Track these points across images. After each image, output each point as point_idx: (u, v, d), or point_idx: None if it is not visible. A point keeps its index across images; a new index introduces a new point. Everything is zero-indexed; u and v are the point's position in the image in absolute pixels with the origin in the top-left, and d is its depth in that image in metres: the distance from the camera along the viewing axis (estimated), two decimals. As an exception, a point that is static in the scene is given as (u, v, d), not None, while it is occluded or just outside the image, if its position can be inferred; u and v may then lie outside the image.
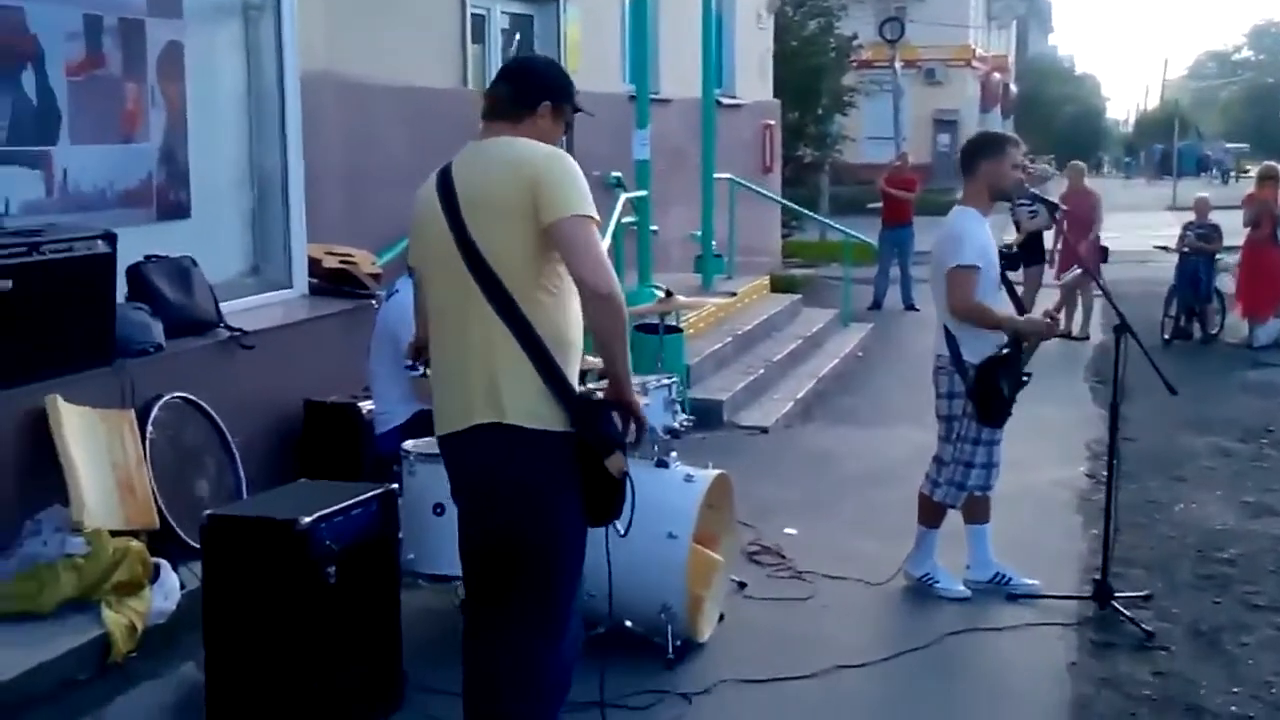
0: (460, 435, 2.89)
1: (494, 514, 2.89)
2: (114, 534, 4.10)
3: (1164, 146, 47.95)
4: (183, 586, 4.20)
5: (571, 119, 3.04)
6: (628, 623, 4.03)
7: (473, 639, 2.98)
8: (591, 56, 9.94)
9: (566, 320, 2.86)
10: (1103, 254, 11.17)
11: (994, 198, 4.68)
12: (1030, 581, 4.78)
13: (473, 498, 2.96)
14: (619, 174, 8.89)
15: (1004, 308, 4.65)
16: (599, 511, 2.89)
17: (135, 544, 4.11)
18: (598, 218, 2.84)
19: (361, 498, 3.58)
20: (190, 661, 3.89)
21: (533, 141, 2.91)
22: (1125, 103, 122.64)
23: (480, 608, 2.98)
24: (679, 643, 4.07)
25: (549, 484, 2.83)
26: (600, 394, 2.93)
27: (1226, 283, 11.40)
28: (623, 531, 2.98)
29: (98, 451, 4.33)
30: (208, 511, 3.51)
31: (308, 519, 3.34)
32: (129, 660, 3.89)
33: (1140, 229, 20.30)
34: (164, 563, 4.21)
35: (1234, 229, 11.47)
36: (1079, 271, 4.70)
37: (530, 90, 2.98)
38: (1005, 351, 4.51)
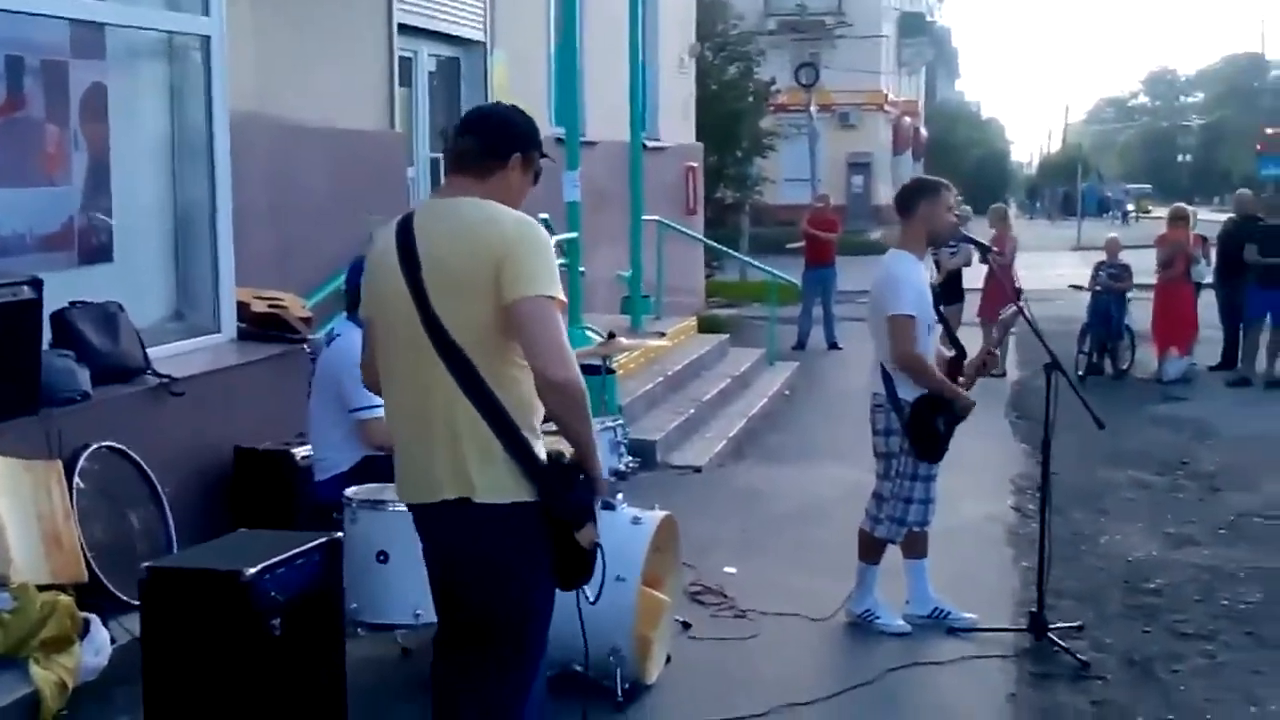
0: (427, 508, 2.84)
1: (464, 589, 2.85)
2: (41, 588, 3.96)
3: (1066, 188, 49.58)
4: (114, 641, 4.06)
5: (540, 168, 2.93)
6: (576, 666, 4.00)
7: (442, 688, 2.94)
8: (518, 99, 9.92)
9: (533, 391, 2.74)
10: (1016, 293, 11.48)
11: (930, 240, 4.81)
12: (968, 615, 4.86)
13: (443, 570, 2.91)
14: (546, 215, 8.90)
15: (936, 348, 4.77)
16: (569, 578, 2.85)
17: (64, 598, 3.96)
18: (563, 297, 2.73)
19: (305, 547, 3.50)
20: (124, 718, 3.76)
21: (502, 209, 2.77)
22: (1028, 146, 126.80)
23: (451, 657, 2.94)
24: (628, 685, 4.06)
25: (519, 558, 2.77)
26: (568, 455, 2.81)
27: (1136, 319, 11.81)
28: (592, 599, 2.95)
29: (23, 503, 4.18)
30: (147, 564, 3.40)
31: (252, 570, 3.26)
32: (59, 718, 3.74)
33: (1048, 268, 20.90)
34: (94, 617, 4.07)
35: (1141, 268, 11.89)
36: (1013, 309, 4.85)
37: (500, 141, 2.84)
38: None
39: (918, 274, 4.71)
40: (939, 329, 4.81)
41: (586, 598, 2.96)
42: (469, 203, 2.79)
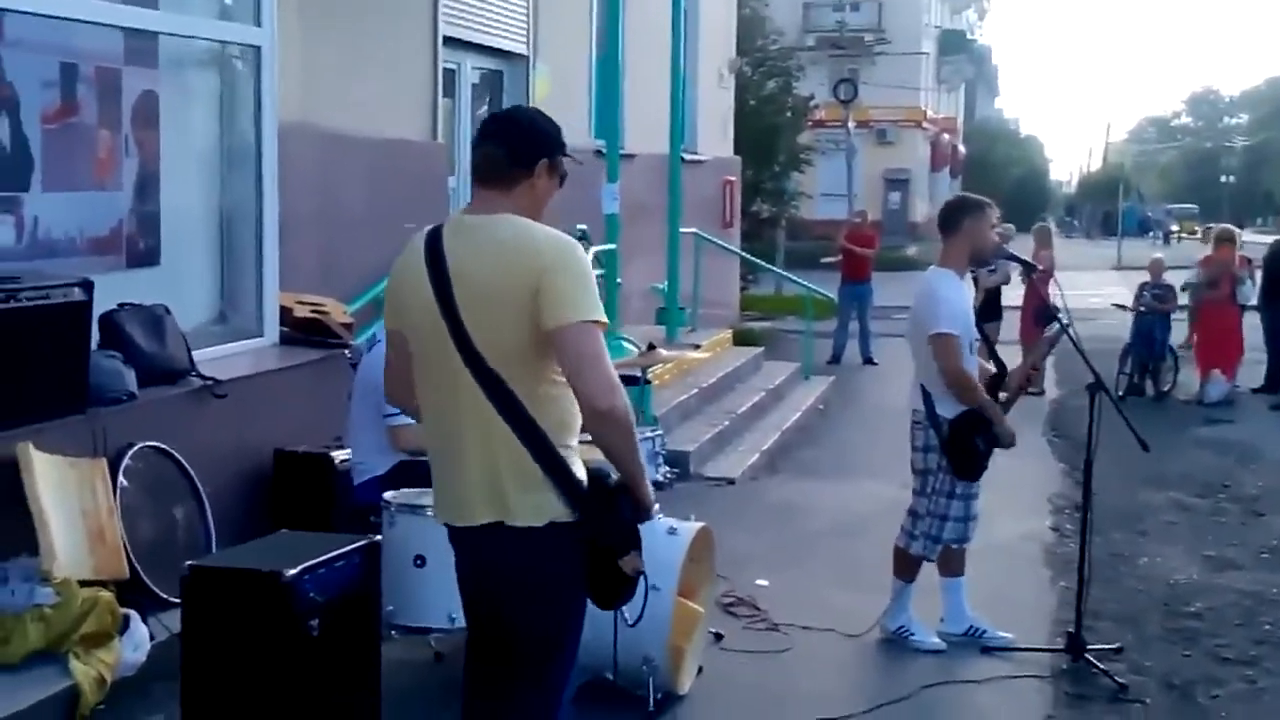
0: (461, 531, 2.79)
1: (495, 608, 2.80)
2: (83, 584, 4.01)
3: (1106, 208, 49.12)
4: (152, 638, 4.11)
5: (566, 171, 2.83)
6: (609, 675, 4.01)
7: (471, 701, 2.91)
8: (559, 112, 9.96)
9: (572, 410, 2.69)
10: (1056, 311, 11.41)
11: (973, 259, 4.79)
12: (1004, 634, 4.82)
13: (475, 588, 2.87)
14: (584, 226, 8.95)
15: (979, 365, 4.75)
16: (608, 599, 2.80)
17: (105, 594, 4.02)
18: (604, 319, 2.65)
19: (345, 549, 3.54)
20: (160, 715, 3.81)
21: (535, 227, 2.70)
22: (1068, 164, 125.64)
23: (482, 671, 2.90)
24: (660, 695, 4.05)
25: (552, 580, 2.72)
26: (614, 476, 2.72)
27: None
28: (631, 622, 2.92)
29: (68, 500, 4.25)
30: (189, 562, 3.45)
31: (292, 571, 3.29)
32: (97, 713, 3.79)
33: (1089, 287, 20.72)
34: (133, 613, 4.12)
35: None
36: (1057, 328, 4.83)
37: (525, 148, 2.76)
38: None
39: (960, 292, 4.70)
40: (980, 346, 4.79)
41: (625, 619, 2.92)
42: (501, 220, 2.71)
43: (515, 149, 2.76)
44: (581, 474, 2.71)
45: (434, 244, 2.73)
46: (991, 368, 4.82)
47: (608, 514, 2.68)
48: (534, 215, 2.77)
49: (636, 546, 2.70)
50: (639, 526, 2.74)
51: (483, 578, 2.82)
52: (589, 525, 2.68)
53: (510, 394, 2.64)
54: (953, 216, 4.76)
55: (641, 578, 2.75)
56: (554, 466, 2.66)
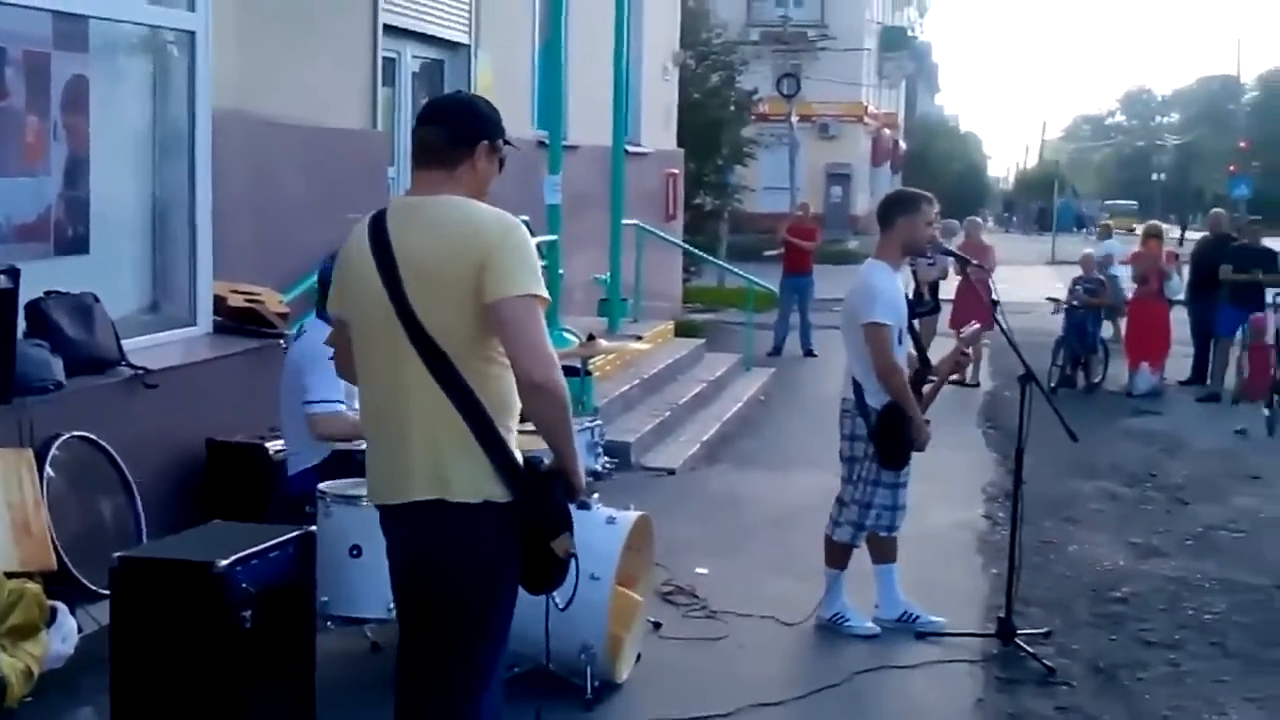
0: (398, 509, 2.79)
1: (426, 588, 2.80)
2: (9, 575, 3.93)
3: (1042, 203, 49.87)
4: (81, 630, 4.04)
5: (505, 155, 2.87)
6: (546, 663, 4.01)
7: (404, 689, 2.90)
8: (501, 102, 9.91)
9: (513, 390, 2.72)
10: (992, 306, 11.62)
11: (906, 252, 4.87)
12: (937, 619, 4.91)
13: (411, 571, 2.85)
14: (526, 217, 8.92)
15: (907, 355, 4.82)
16: (538, 583, 2.81)
17: (32, 586, 3.94)
18: (545, 295, 2.69)
19: (278, 540, 3.50)
20: (89, 706, 3.76)
21: (479, 207, 2.74)
22: (1005, 161, 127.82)
23: (413, 653, 2.90)
24: (597, 684, 4.07)
25: (490, 559, 2.73)
26: (547, 461, 2.77)
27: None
28: (562, 605, 2.94)
29: (-7, 492, 4.16)
30: (118, 554, 3.40)
31: (224, 561, 3.26)
32: (24, 705, 3.72)
33: (1023, 282, 21.06)
34: (61, 605, 4.04)
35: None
36: (976, 326, 4.97)
37: (465, 130, 2.79)
38: None
39: (893, 284, 4.77)
40: (909, 339, 4.86)
41: (556, 604, 2.94)
42: (445, 201, 2.75)
43: (455, 131, 2.79)
44: (518, 455, 2.74)
45: (378, 226, 2.78)
46: (915, 358, 4.90)
47: (540, 496, 2.70)
48: (477, 197, 2.80)
49: (568, 528, 2.73)
50: (570, 508, 2.76)
51: (415, 557, 2.82)
52: (522, 506, 2.70)
53: (455, 371, 2.67)
54: (889, 211, 4.84)
55: (573, 561, 2.78)
56: (493, 445, 2.69)
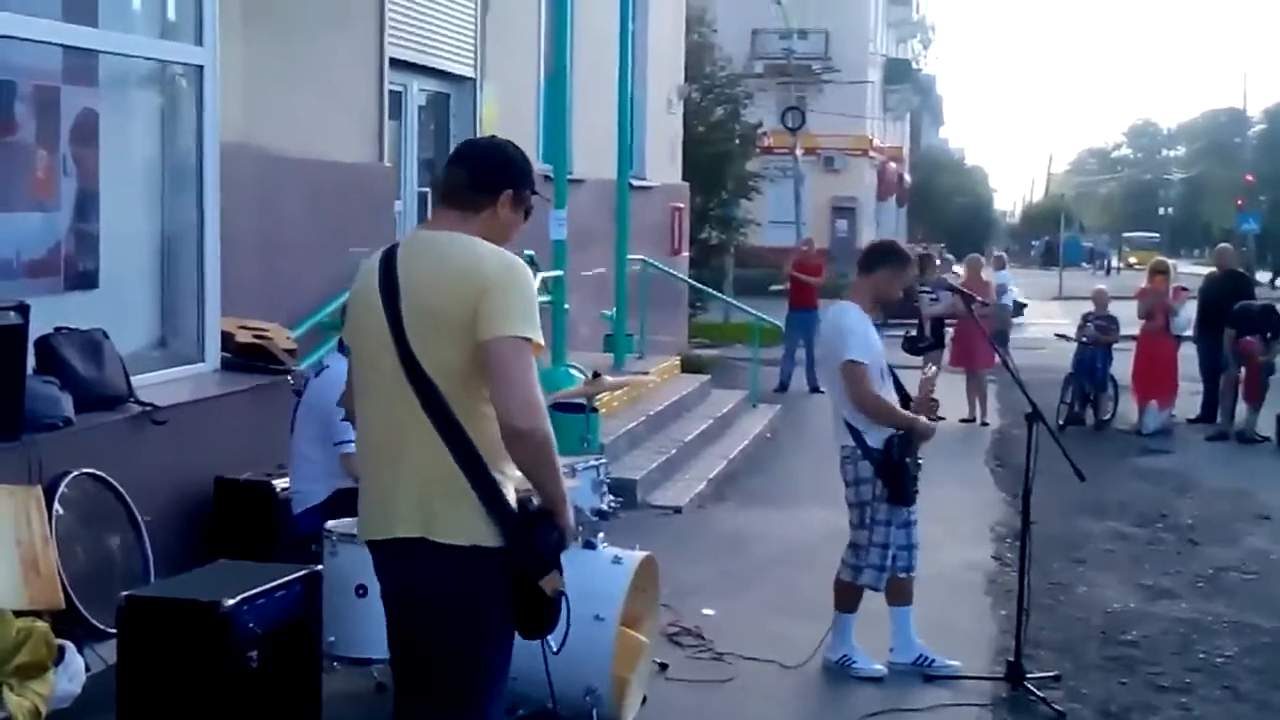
0: (384, 544, 2.76)
1: (413, 633, 2.77)
2: (17, 614, 3.91)
3: (1048, 238, 49.92)
4: (88, 669, 4.02)
5: (531, 206, 2.86)
6: (551, 705, 3.98)
7: None
8: (507, 135, 9.98)
9: None
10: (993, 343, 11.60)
11: (876, 301, 4.89)
12: (952, 663, 4.87)
13: (400, 609, 2.82)
14: (531, 252, 8.94)
15: (891, 397, 4.81)
16: (532, 627, 2.76)
17: (40, 625, 3.91)
18: (539, 340, 2.65)
19: (285, 579, 3.52)
20: (94, 749, 3.72)
21: (486, 246, 2.72)
22: (1011, 194, 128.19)
23: (408, 700, 2.87)
24: (604, 727, 4.03)
25: (470, 606, 2.69)
26: (536, 501, 2.71)
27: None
28: (555, 649, 2.91)
29: (2, 529, 4.14)
30: (126, 593, 3.40)
31: (231, 601, 3.26)
32: (30, 748, 3.70)
33: (1030, 318, 21.06)
34: (69, 644, 4.01)
35: (1126, 319, 12.00)
36: (934, 369, 5.04)
37: (491, 176, 2.78)
38: (901, 432, 4.69)
39: (865, 325, 4.77)
40: (891, 379, 4.85)
41: (550, 648, 2.91)
42: (454, 238, 2.74)
43: (480, 176, 2.80)
44: (512, 500, 2.70)
45: (388, 260, 2.78)
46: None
47: (531, 538, 2.66)
48: (497, 244, 2.79)
49: (557, 566, 2.69)
50: (570, 546, 2.74)
51: (402, 597, 2.79)
52: (512, 548, 2.66)
53: (448, 411, 2.65)
54: (876, 259, 4.88)
55: (564, 601, 2.74)
56: (484, 486, 2.65)
